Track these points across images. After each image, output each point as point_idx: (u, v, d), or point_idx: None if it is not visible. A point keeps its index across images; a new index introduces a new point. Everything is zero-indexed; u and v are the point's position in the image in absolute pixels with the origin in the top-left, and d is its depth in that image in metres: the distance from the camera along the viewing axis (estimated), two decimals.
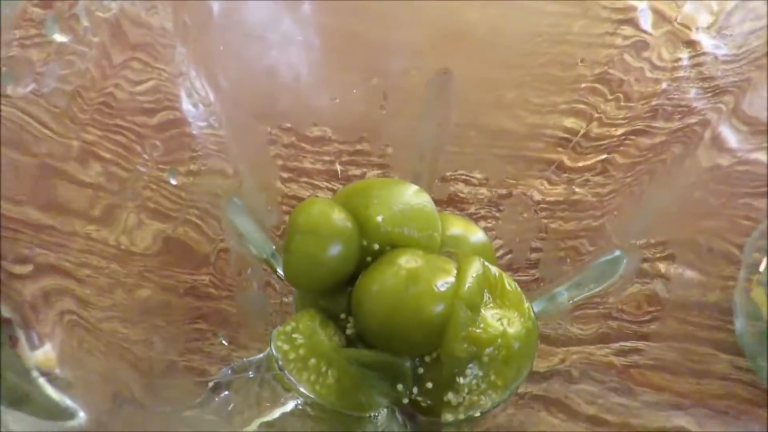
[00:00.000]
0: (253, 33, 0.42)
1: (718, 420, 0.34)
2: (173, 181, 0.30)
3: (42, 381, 0.20)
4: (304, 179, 0.46)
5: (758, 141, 0.35)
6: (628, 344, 0.38)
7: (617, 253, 0.33)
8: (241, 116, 0.41)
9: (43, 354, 0.21)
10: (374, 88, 0.45)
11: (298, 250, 0.35)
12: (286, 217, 0.44)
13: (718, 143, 0.35)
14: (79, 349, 0.23)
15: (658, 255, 0.36)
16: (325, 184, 0.47)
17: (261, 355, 0.37)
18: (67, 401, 0.20)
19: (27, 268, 0.22)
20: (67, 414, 0.20)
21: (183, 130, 0.34)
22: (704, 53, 0.39)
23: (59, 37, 0.22)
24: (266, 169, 0.43)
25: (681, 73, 0.39)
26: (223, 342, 0.34)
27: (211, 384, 0.32)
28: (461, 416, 0.30)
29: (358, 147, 0.40)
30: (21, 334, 0.21)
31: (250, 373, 0.37)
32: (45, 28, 0.21)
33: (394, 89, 0.45)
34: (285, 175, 0.46)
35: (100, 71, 0.25)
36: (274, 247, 0.39)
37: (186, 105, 0.35)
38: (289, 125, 0.45)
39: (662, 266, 0.36)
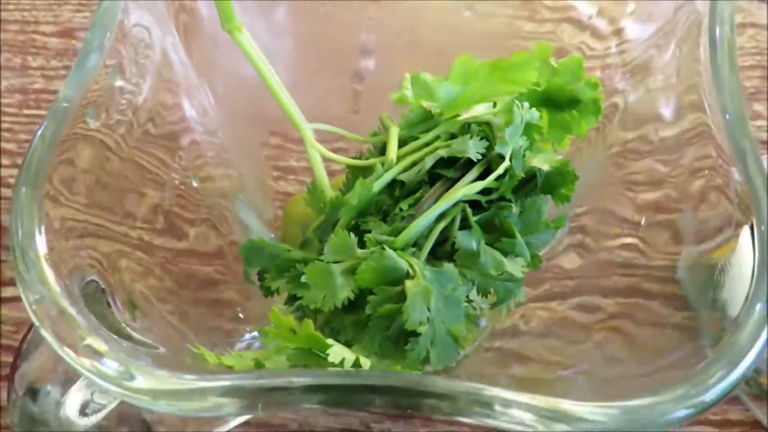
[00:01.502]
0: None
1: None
2: (195, 183, 0.43)
3: (129, 330, 0.33)
4: (292, 176, 0.59)
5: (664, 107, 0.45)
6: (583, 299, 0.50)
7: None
8: (236, 120, 0.52)
9: (126, 315, 0.34)
10: (349, 90, 0.57)
11: (292, 236, 0.48)
12: (279, 212, 0.57)
13: (629, 114, 0.47)
14: (150, 311, 0.36)
15: (586, 220, 0.48)
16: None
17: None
18: (149, 341, 0.33)
19: (107, 253, 0.35)
20: (153, 347, 0.33)
21: (192, 134, 0.46)
22: (628, 40, 0.50)
23: (119, 82, 0.35)
24: (261, 169, 0.56)
25: (609, 60, 0.51)
26: (240, 315, 0.46)
27: (235, 347, 0.45)
28: None
29: (336, 145, 0.51)
30: (111, 300, 0.33)
31: (257, 344, 0.49)
32: (109, 77, 0.34)
33: (367, 90, 0.57)
34: (275, 173, 0.58)
35: (145, 103, 0.38)
36: (272, 235, 0.51)
37: (193, 111, 0.46)
38: (275, 128, 0.57)
39: (589, 229, 0.48)
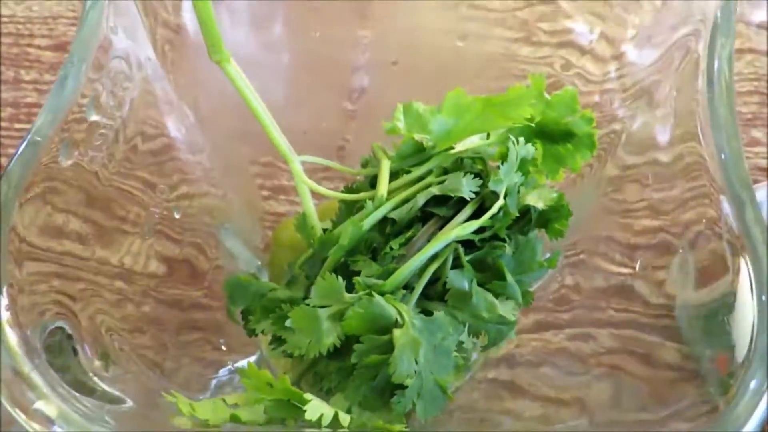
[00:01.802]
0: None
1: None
2: (177, 215, 0.40)
3: (96, 379, 0.30)
4: (283, 196, 0.56)
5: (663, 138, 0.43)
6: (578, 330, 0.47)
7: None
8: (223, 140, 0.50)
9: (95, 363, 0.31)
10: (342, 108, 0.55)
11: (281, 262, 0.45)
12: (268, 233, 0.54)
13: (630, 144, 0.45)
14: (118, 354, 0.34)
15: (583, 249, 0.46)
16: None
17: (252, 358, 0.47)
18: (116, 392, 0.30)
19: (78, 291, 0.32)
20: (120, 400, 0.30)
21: (175, 156, 0.43)
22: (628, 64, 0.48)
23: (94, 117, 0.32)
24: (249, 189, 0.53)
25: (609, 86, 0.49)
26: (222, 347, 0.43)
27: (214, 382, 0.42)
28: None
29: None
30: (78, 346, 0.31)
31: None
32: (86, 111, 0.31)
33: (361, 108, 0.55)
34: (265, 193, 0.56)
35: (123, 135, 0.35)
36: (259, 263, 0.48)
37: (176, 133, 0.44)
38: (266, 146, 0.55)
39: (586, 260, 0.46)
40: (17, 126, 0.61)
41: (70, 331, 0.31)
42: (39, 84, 0.62)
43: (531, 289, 0.41)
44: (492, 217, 0.37)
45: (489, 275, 0.37)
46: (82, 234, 0.33)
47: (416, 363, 0.32)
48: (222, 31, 0.45)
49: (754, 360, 0.31)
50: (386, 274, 0.35)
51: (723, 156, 0.35)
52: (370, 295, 0.33)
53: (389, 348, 0.32)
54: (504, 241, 0.38)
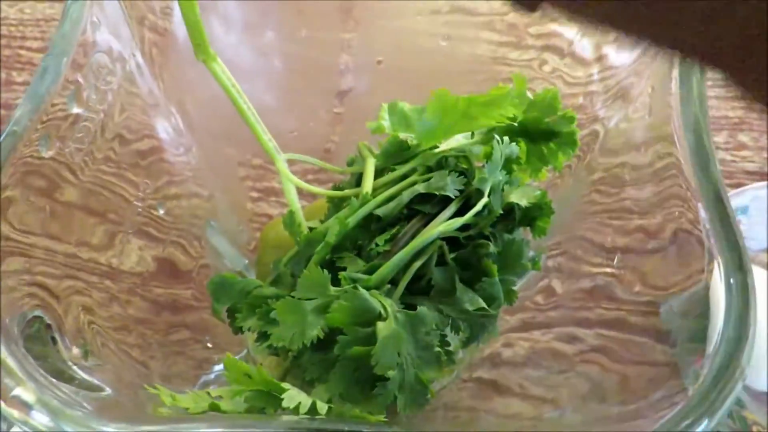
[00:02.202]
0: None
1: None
2: (161, 211, 0.40)
3: (75, 368, 0.30)
4: (273, 198, 0.56)
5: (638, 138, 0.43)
6: (562, 330, 0.47)
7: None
8: (211, 141, 0.49)
9: (74, 352, 0.31)
10: (330, 109, 0.54)
11: (268, 261, 0.45)
12: (257, 234, 0.54)
13: (606, 145, 0.45)
14: (101, 349, 0.33)
15: (560, 250, 0.46)
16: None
17: (241, 355, 0.47)
18: (95, 381, 0.30)
19: (59, 286, 0.32)
20: (98, 388, 0.30)
21: (161, 156, 0.43)
22: (609, 66, 0.48)
23: (76, 109, 0.32)
24: (237, 190, 0.52)
25: (592, 88, 0.49)
26: (209, 345, 0.43)
27: (201, 380, 0.42)
28: None
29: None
30: (57, 336, 0.30)
31: None
32: (67, 103, 0.31)
33: (348, 109, 0.55)
34: (255, 195, 0.55)
35: (106, 130, 0.34)
36: (246, 261, 0.48)
37: (162, 133, 0.44)
38: (257, 149, 0.54)
39: (568, 260, 0.45)
40: None
41: (49, 321, 0.30)
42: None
43: (515, 288, 0.41)
44: (476, 215, 0.37)
45: (473, 273, 0.37)
46: (64, 228, 0.33)
47: (399, 356, 0.31)
48: (211, 35, 0.46)
49: (720, 348, 0.31)
50: (371, 270, 0.35)
51: (695, 157, 0.35)
52: (355, 288, 0.33)
53: (372, 340, 0.32)
54: (488, 239, 0.38)
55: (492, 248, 0.37)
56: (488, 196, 0.37)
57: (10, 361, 0.26)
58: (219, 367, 0.45)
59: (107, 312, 0.38)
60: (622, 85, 0.45)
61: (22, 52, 0.64)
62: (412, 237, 0.36)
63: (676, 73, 0.37)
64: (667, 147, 0.38)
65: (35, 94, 0.30)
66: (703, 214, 0.34)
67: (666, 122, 0.37)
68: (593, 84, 0.49)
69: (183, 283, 0.46)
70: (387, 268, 0.35)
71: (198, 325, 0.46)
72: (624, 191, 0.43)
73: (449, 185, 0.36)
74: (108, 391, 0.30)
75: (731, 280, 0.32)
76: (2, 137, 0.28)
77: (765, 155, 0.61)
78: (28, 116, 0.29)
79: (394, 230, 0.37)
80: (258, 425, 0.28)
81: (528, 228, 0.42)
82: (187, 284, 0.46)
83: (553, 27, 0.51)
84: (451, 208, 0.37)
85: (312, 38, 0.52)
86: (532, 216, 0.40)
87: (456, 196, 0.37)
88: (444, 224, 0.36)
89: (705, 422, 0.29)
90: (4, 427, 0.28)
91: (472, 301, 0.36)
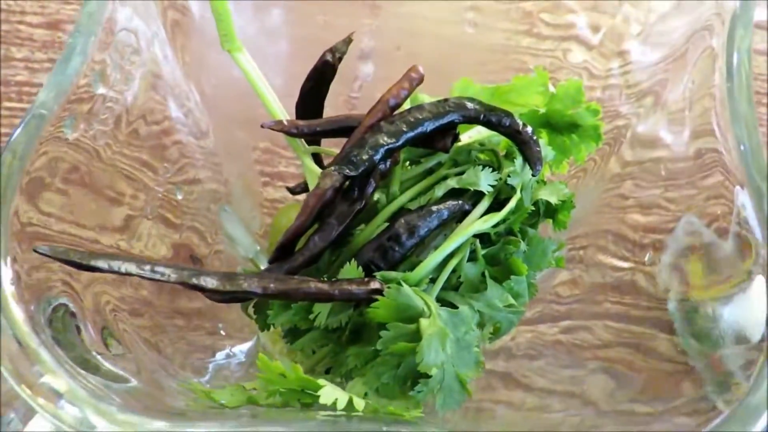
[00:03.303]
0: None
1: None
2: (179, 196, 0.38)
3: (99, 358, 0.28)
4: (280, 183, 0.54)
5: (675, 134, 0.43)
6: (573, 323, 0.47)
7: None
8: (227, 123, 0.48)
9: (96, 339, 0.29)
10: (345, 96, 0.53)
11: None
12: (267, 219, 0.52)
13: (637, 141, 0.44)
14: (122, 334, 0.32)
15: (583, 244, 0.45)
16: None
17: (250, 343, 0.46)
18: (120, 371, 0.29)
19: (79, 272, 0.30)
20: (124, 379, 0.28)
21: (180, 138, 0.42)
22: (632, 62, 0.47)
23: (101, 90, 0.30)
24: (249, 174, 0.51)
25: (612, 81, 0.48)
26: (222, 332, 0.42)
27: (212, 365, 0.41)
28: None
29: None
30: (82, 324, 0.29)
31: (242, 357, 0.45)
32: (92, 85, 0.29)
33: (363, 97, 0.53)
34: (263, 179, 0.54)
35: (129, 112, 0.33)
36: (258, 248, 0.47)
37: (182, 115, 0.42)
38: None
39: (586, 254, 0.45)
40: (7, 104, 0.58)
41: (73, 309, 0.29)
42: (30, 62, 0.60)
43: (534, 281, 0.40)
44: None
45: (501, 269, 0.36)
46: (87, 212, 0.31)
47: (443, 354, 0.31)
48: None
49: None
50: (410, 267, 0.34)
51: (743, 148, 0.34)
52: (398, 285, 0.32)
53: (415, 337, 0.31)
54: (516, 236, 0.37)
55: (522, 246, 0.36)
56: (520, 192, 0.36)
57: (41, 350, 0.24)
58: (224, 354, 0.44)
59: (122, 294, 0.36)
60: (649, 82, 0.44)
61: (22, 27, 0.61)
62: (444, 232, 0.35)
63: (721, 65, 0.36)
64: (709, 140, 0.37)
65: (62, 74, 0.28)
66: (744, 205, 0.33)
67: (707, 116, 0.37)
68: (614, 78, 0.48)
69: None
70: (426, 265, 0.34)
71: (209, 310, 0.45)
72: (650, 188, 0.42)
73: (482, 180, 0.35)
74: (133, 382, 0.29)
75: None
76: (28, 117, 0.27)
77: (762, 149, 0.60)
78: (55, 99, 0.27)
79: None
80: (295, 425, 0.26)
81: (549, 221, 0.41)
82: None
83: (572, 18, 0.50)
84: (484, 204, 0.35)
85: (329, 22, 0.51)
86: (554, 209, 0.40)
87: (489, 192, 0.36)
88: (479, 221, 0.35)
89: None
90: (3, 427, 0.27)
91: (501, 297, 0.35)
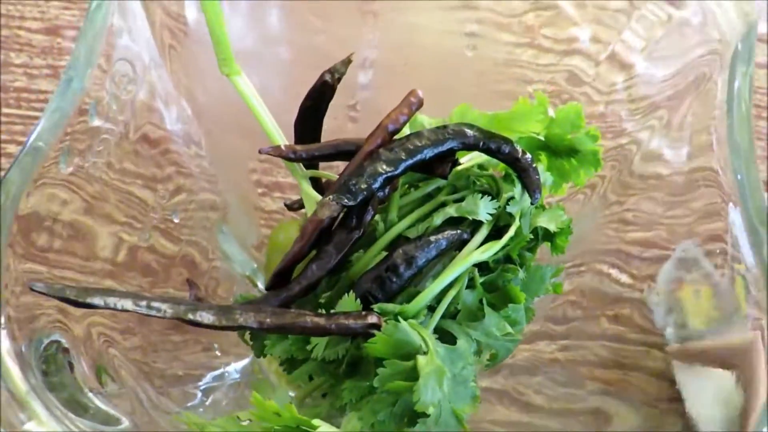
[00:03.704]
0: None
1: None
2: (176, 219, 0.38)
3: (92, 395, 0.28)
4: (278, 194, 0.54)
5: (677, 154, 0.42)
6: (571, 342, 0.46)
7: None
8: (219, 133, 0.47)
9: (91, 376, 0.29)
10: (343, 106, 0.52)
11: None
12: (263, 230, 0.52)
13: (650, 157, 0.43)
14: (113, 364, 0.32)
15: (584, 262, 0.45)
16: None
17: (245, 361, 0.45)
18: (112, 411, 0.28)
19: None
20: (115, 420, 0.28)
21: (168, 147, 0.41)
22: (637, 75, 0.46)
23: (97, 122, 0.30)
24: (245, 185, 0.50)
25: (615, 96, 0.47)
26: (217, 353, 0.41)
27: (202, 387, 0.40)
28: None
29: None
30: (75, 360, 0.28)
31: (237, 376, 0.45)
32: (88, 117, 0.29)
33: (364, 107, 0.53)
34: (260, 190, 0.53)
35: (125, 142, 0.32)
36: (255, 265, 0.46)
37: (170, 125, 0.41)
38: (262, 142, 0.52)
39: (586, 273, 0.44)
40: (6, 111, 0.57)
41: (66, 345, 0.28)
42: (29, 68, 0.59)
43: (532, 306, 0.40)
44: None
45: (498, 296, 0.36)
46: (80, 243, 0.31)
47: (440, 392, 0.30)
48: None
49: None
50: (408, 297, 0.34)
51: (740, 178, 0.34)
52: (396, 320, 0.32)
53: (412, 375, 0.30)
54: (515, 263, 0.37)
55: (521, 274, 0.36)
56: (519, 220, 0.35)
57: (30, 398, 0.24)
58: (215, 374, 0.43)
59: (111, 313, 0.36)
60: (654, 99, 0.43)
61: (21, 32, 0.60)
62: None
63: (721, 94, 0.35)
64: (707, 164, 0.37)
65: (59, 108, 0.27)
66: (745, 245, 0.32)
67: (707, 140, 0.36)
68: (617, 93, 0.47)
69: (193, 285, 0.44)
70: (425, 296, 0.34)
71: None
72: (652, 208, 0.41)
73: (481, 209, 0.35)
74: (125, 423, 0.28)
75: None
76: (22, 153, 0.26)
77: (760, 165, 0.60)
78: (52, 131, 0.27)
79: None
80: None
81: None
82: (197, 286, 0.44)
83: (575, 31, 0.49)
84: (483, 233, 0.35)
85: (329, 32, 0.50)
86: (553, 235, 0.39)
87: (487, 221, 0.35)
88: (478, 251, 0.34)
89: None
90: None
91: (499, 326, 0.35)
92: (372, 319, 0.31)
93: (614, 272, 0.45)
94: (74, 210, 0.30)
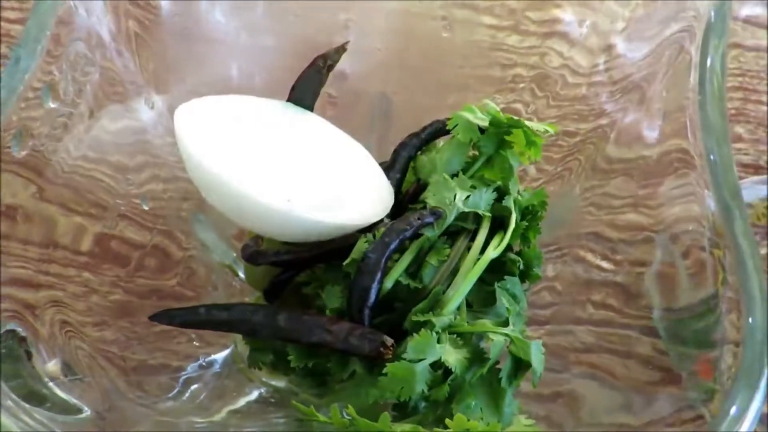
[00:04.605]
0: (207, 42, 0.47)
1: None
2: (146, 207, 0.37)
3: (52, 385, 0.27)
4: None
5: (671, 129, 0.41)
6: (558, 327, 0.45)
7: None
8: None
9: (51, 365, 0.28)
10: (324, 94, 0.51)
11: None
12: None
13: (625, 137, 0.43)
14: (76, 354, 0.31)
15: (565, 246, 0.44)
16: None
17: (227, 351, 0.44)
18: (74, 400, 0.27)
19: (34, 289, 0.29)
20: (75, 410, 0.27)
21: (140, 138, 0.40)
22: (616, 57, 0.45)
23: (51, 104, 0.28)
24: None
25: (597, 78, 0.46)
26: (195, 343, 0.40)
27: (182, 378, 0.39)
28: None
29: None
30: (33, 349, 0.27)
31: (217, 367, 0.44)
32: (42, 98, 0.28)
33: (345, 94, 0.52)
34: None
35: (83, 125, 0.31)
36: (234, 254, 0.45)
37: (142, 115, 0.40)
38: None
39: (569, 256, 0.43)
40: None
41: (23, 334, 0.27)
42: (8, 60, 0.58)
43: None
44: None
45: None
46: (41, 229, 0.30)
47: None
48: (204, 13, 0.42)
49: (740, 378, 0.29)
50: (430, 304, 0.35)
51: (712, 158, 0.33)
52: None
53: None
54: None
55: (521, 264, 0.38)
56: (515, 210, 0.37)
57: None
58: (199, 364, 0.42)
59: (85, 305, 0.35)
60: (633, 78, 0.42)
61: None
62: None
63: (694, 72, 0.34)
64: (680, 144, 0.36)
65: (7, 87, 0.26)
66: (714, 213, 0.32)
67: (681, 118, 0.35)
68: (598, 75, 0.46)
69: (170, 274, 0.43)
70: (455, 300, 0.36)
71: None
72: (631, 188, 0.41)
73: (482, 203, 0.37)
74: (86, 412, 0.27)
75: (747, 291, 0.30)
76: None
77: (760, 147, 0.59)
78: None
79: (445, 249, 0.37)
80: None
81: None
82: (173, 275, 0.43)
83: (557, 13, 0.49)
84: (486, 225, 0.37)
85: (307, 18, 0.49)
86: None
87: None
88: (492, 248, 0.37)
89: None
90: None
91: (510, 302, 0.37)
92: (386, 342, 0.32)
93: (594, 256, 0.44)
94: (31, 194, 0.29)
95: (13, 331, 0.27)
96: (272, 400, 0.41)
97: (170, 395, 0.38)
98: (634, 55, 0.44)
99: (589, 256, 0.44)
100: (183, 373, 0.40)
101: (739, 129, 0.59)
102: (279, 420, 0.37)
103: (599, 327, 0.43)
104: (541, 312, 0.45)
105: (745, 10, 0.62)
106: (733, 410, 0.27)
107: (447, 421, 0.31)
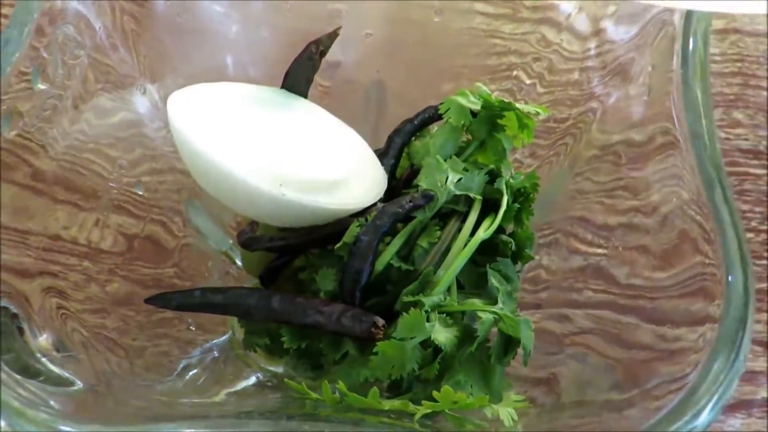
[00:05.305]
0: (202, 33, 0.47)
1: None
2: (140, 192, 0.37)
3: (45, 360, 0.28)
4: None
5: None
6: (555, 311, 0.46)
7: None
8: None
9: (43, 341, 0.29)
10: (317, 83, 0.52)
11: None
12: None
13: (608, 122, 0.43)
14: (71, 336, 0.31)
15: (557, 229, 0.44)
16: None
17: (224, 337, 0.45)
18: (66, 374, 0.28)
19: (27, 272, 0.29)
20: (68, 382, 0.28)
21: (138, 131, 0.41)
22: (606, 41, 0.45)
23: (41, 86, 0.29)
24: None
25: (589, 63, 0.46)
26: (191, 328, 0.41)
27: (182, 364, 0.40)
28: None
29: None
30: (25, 325, 0.28)
31: (215, 352, 0.44)
32: (31, 80, 0.28)
33: (339, 83, 0.52)
34: None
35: (76, 106, 0.32)
36: (231, 241, 0.46)
37: (139, 107, 0.41)
38: None
39: (560, 239, 0.44)
40: None
41: (15, 311, 0.28)
42: None
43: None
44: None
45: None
46: (33, 210, 0.30)
47: None
48: (199, 3, 0.42)
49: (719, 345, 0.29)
50: (421, 285, 0.36)
51: (695, 136, 0.33)
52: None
53: None
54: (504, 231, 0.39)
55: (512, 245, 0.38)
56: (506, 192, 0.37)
57: None
58: (198, 350, 0.43)
59: (84, 294, 0.36)
60: (620, 61, 0.42)
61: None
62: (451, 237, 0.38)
63: (678, 48, 0.35)
64: (666, 125, 0.36)
65: None
66: (701, 195, 0.32)
67: (666, 99, 0.35)
68: (590, 59, 0.46)
69: (166, 263, 0.44)
70: (445, 281, 0.36)
71: None
72: (620, 170, 0.41)
73: (475, 186, 0.38)
74: (79, 384, 0.28)
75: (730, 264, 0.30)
76: None
77: (760, 133, 0.59)
78: None
79: (435, 231, 0.37)
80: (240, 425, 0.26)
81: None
82: (170, 263, 0.44)
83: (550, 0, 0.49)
84: (477, 207, 0.37)
85: (298, 8, 0.49)
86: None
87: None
88: (483, 230, 0.37)
89: None
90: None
91: (501, 283, 0.37)
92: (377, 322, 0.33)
93: (589, 237, 0.44)
94: (23, 175, 0.29)
95: (6, 308, 0.27)
96: (269, 385, 0.41)
97: (169, 379, 0.39)
98: (622, 38, 0.44)
99: (580, 240, 0.44)
100: (182, 358, 0.41)
101: (738, 114, 0.59)
102: (276, 397, 0.38)
103: (594, 309, 0.43)
104: (535, 295, 0.46)
105: None
106: (715, 367, 0.27)
107: (434, 393, 0.31)
